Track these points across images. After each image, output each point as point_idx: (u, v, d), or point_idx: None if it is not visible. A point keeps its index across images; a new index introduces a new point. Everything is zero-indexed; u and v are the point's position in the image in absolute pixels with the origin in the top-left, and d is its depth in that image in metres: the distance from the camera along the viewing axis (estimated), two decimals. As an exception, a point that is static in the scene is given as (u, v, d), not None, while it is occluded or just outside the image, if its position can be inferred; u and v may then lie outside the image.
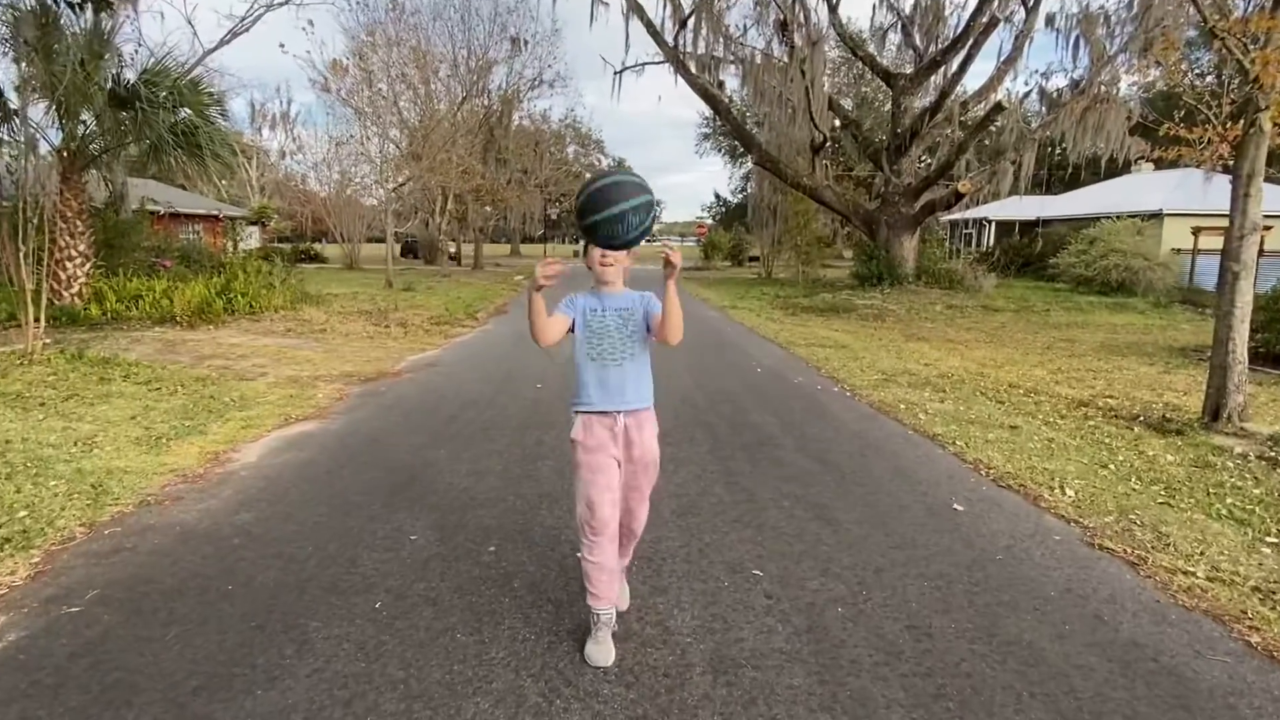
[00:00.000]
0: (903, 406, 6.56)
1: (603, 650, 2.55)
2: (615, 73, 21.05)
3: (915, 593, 3.08)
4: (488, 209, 34.05)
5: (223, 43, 14.08)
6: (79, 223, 10.53)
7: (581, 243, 2.57)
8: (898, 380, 7.81)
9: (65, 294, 10.39)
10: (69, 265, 10.45)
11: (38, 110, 10.08)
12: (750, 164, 27.10)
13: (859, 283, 19.36)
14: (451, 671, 2.45)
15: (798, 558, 3.40)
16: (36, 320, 7.47)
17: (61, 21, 9.67)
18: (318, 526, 3.67)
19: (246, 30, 14.27)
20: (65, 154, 10.32)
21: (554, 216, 43.27)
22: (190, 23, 21.71)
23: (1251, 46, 5.47)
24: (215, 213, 24.33)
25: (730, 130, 26.17)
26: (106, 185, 12.88)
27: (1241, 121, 5.63)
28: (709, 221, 65.94)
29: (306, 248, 35.35)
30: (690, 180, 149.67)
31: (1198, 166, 6.69)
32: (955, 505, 4.14)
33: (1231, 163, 5.78)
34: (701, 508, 4.02)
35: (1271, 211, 15.50)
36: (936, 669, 2.53)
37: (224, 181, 32.58)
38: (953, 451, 5.24)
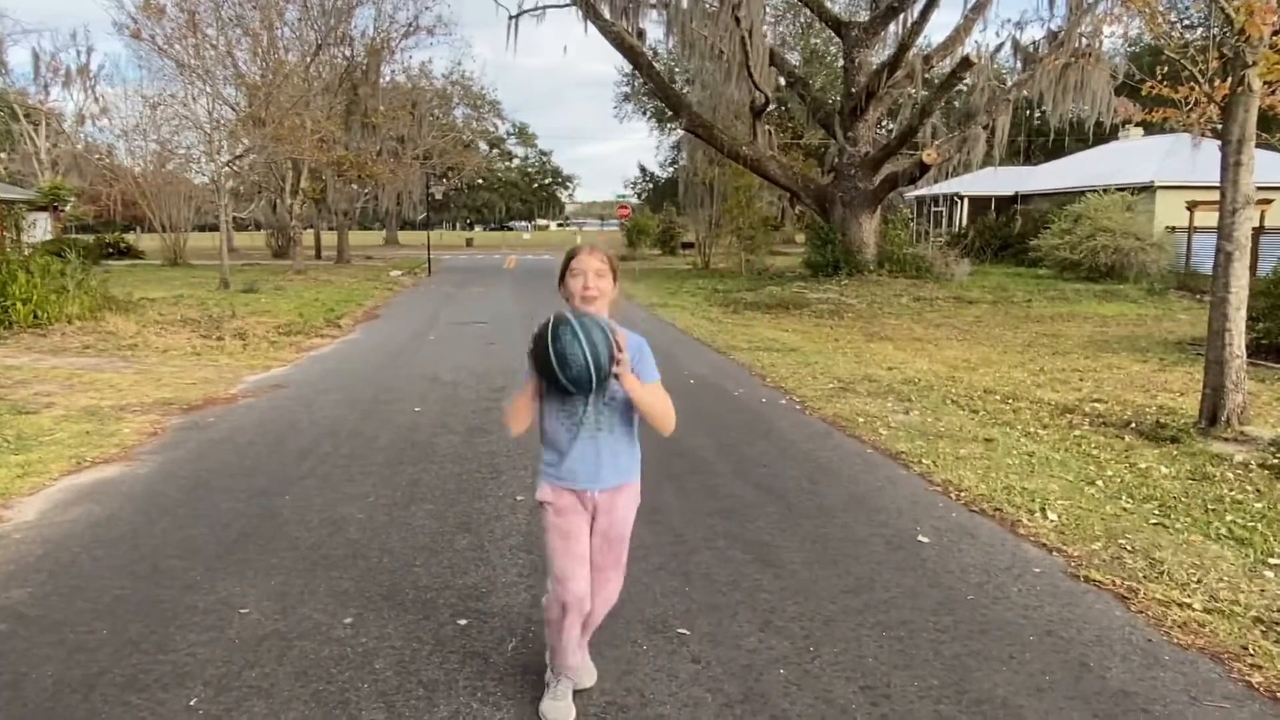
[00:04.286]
0: (861, 420, 6.73)
1: (562, 708, 2.64)
2: (511, 17, 21.03)
3: (872, 645, 3.14)
4: (354, 187, 33.32)
5: (-8, -26, 13.33)
6: None
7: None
8: (856, 389, 8.01)
9: None
10: None
11: None
12: (680, 130, 27.46)
13: (812, 272, 19.84)
14: (288, 783, 2.35)
15: (733, 610, 3.42)
16: None
17: None
18: (117, 602, 3.48)
19: (24, -42, 13.55)
20: None
21: (439, 196, 42.72)
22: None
23: (1236, -7, 5.86)
24: (-12, 195, 22.95)
25: (654, 89, 26.46)
26: None
27: (1229, 79, 6.02)
28: (633, 201, 66.45)
29: (115, 239, 33.77)
30: (609, 151, 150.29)
31: (1185, 130, 7.14)
32: (920, 537, 4.25)
33: (1220, 126, 6.18)
34: (617, 554, 4.00)
35: (1274, 183, 16.77)
36: (896, 738, 2.57)
37: (1, 155, 30.85)
38: (918, 472, 5.39)
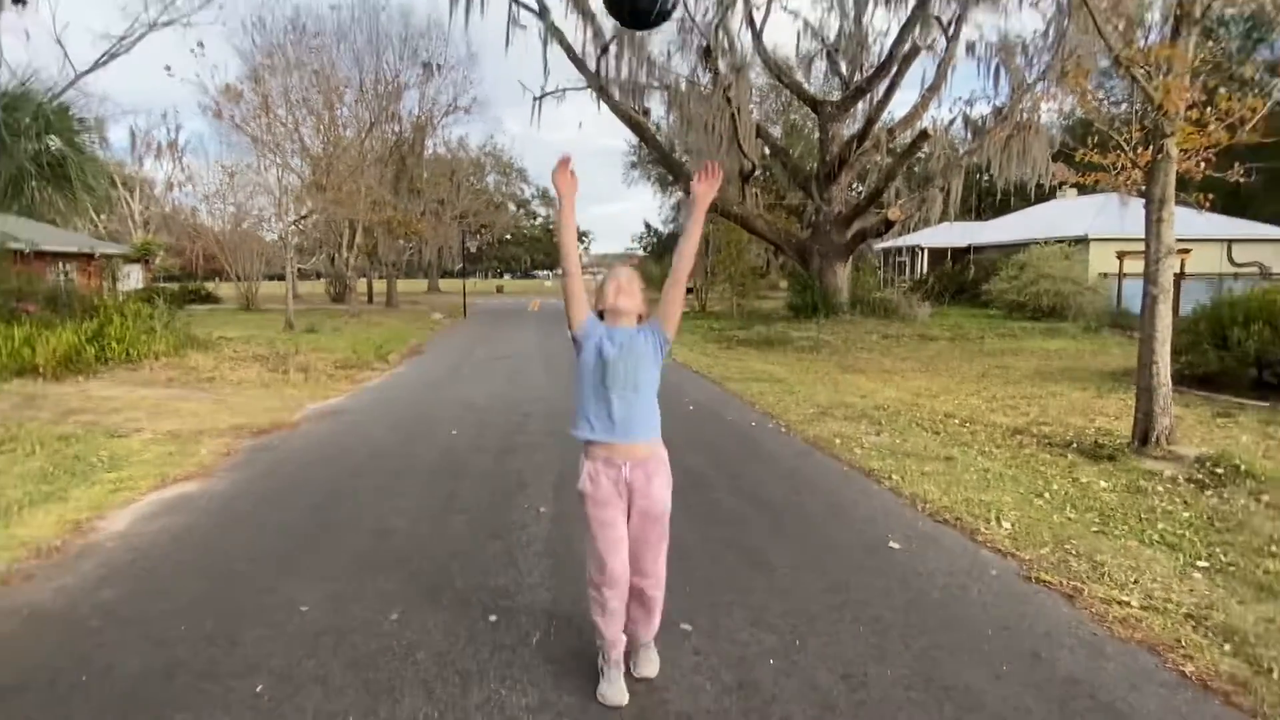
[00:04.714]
0: (838, 441, 6.69)
1: (616, 689, 2.65)
2: (535, 99, 21.22)
3: (850, 639, 3.10)
4: (401, 242, 33.58)
5: (98, 65, 13.63)
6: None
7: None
8: (833, 414, 7.98)
9: (-97, 345, 9.65)
10: (-92, 313, 9.74)
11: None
12: (680, 193, 27.68)
13: (794, 314, 19.84)
14: (342, 760, 2.32)
15: (728, 608, 3.39)
16: None
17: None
18: (194, 602, 3.46)
19: (126, 52, 13.85)
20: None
21: (473, 249, 43.07)
22: (60, 43, 20.82)
23: (1156, 75, 5.92)
24: (89, 250, 23.20)
25: (658, 159, 26.69)
26: (-44, 222, 12.15)
27: (1151, 147, 6.06)
28: (640, 253, 66.76)
29: (197, 287, 33.97)
30: (619, 211, 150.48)
31: (1114, 191, 7.16)
32: (892, 543, 4.21)
33: (1144, 187, 6.21)
34: (627, 559, 3.96)
35: (1191, 235, 16.78)
36: (872, 721, 2.53)
37: (101, 216, 31.18)
38: (889, 486, 5.35)
